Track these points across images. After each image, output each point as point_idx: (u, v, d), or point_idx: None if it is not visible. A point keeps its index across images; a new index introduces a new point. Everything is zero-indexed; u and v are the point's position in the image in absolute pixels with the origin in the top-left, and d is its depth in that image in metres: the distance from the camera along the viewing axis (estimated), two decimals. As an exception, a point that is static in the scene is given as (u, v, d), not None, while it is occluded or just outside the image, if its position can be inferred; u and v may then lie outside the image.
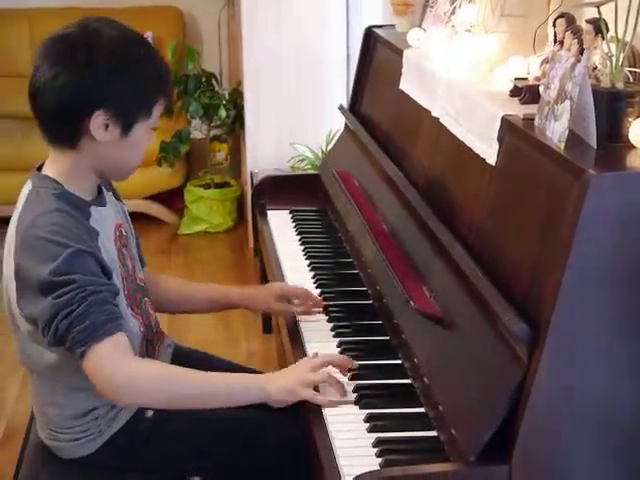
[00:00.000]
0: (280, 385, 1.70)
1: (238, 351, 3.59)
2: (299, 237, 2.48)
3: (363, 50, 2.74)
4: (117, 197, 1.91)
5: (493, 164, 1.69)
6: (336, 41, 4.31)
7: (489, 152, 1.70)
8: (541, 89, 1.66)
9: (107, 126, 1.69)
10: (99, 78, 1.67)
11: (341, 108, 2.76)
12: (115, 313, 1.66)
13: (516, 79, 1.77)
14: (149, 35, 4.64)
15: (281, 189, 2.79)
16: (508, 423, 1.40)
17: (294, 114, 4.36)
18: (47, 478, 1.83)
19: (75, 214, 1.69)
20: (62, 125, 1.71)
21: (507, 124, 1.65)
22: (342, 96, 4.37)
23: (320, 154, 3.97)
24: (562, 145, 1.45)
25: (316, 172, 2.90)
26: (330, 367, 1.75)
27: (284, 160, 4.30)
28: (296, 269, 2.29)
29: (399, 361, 1.82)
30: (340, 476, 1.49)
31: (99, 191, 1.81)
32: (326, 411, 1.66)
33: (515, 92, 1.74)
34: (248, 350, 3.63)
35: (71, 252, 1.62)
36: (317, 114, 4.37)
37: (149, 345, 1.85)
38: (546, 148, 1.48)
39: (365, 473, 1.41)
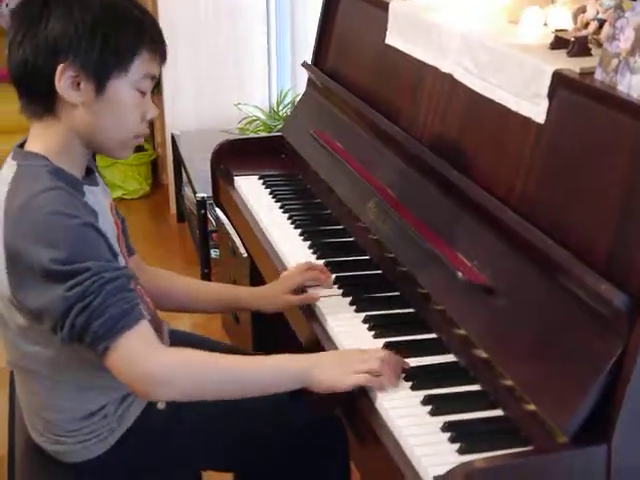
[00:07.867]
0: (330, 372, 1.55)
1: (181, 322, 3.42)
2: (279, 205, 2.33)
3: (326, 3, 2.57)
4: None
5: (542, 122, 1.59)
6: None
7: (535, 110, 1.59)
8: (590, 44, 1.56)
9: (78, 84, 1.50)
10: (56, 27, 1.48)
11: (305, 64, 2.61)
12: (134, 300, 1.49)
13: (557, 30, 1.66)
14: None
15: (241, 153, 2.63)
16: (603, 400, 1.31)
17: (215, 72, 4.18)
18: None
19: (72, 191, 1.50)
20: (31, 88, 1.53)
21: (562, 79, 1.54)
22: (263, 51, 4.22)
23: (269, 114, 3.80)
24: (647, 100, 1.36)
25: (273, 134, 2.75)
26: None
27: (206, 120, 4.12)
28: (288, 239, 2.14)
29: (433, 335, 1.71)
30: (419, 471, 1.37)
31: (89, 170, 1.63)
32: (381, 401, 1.52)
33: (557, 44, 1.64)
34: (192, 322, 3.47)
35: (79, 230, 1.44)
36: (239, 70, 4.20)
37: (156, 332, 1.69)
38: (628, 104, 1.38)
39: (456, 467, 1.29)
